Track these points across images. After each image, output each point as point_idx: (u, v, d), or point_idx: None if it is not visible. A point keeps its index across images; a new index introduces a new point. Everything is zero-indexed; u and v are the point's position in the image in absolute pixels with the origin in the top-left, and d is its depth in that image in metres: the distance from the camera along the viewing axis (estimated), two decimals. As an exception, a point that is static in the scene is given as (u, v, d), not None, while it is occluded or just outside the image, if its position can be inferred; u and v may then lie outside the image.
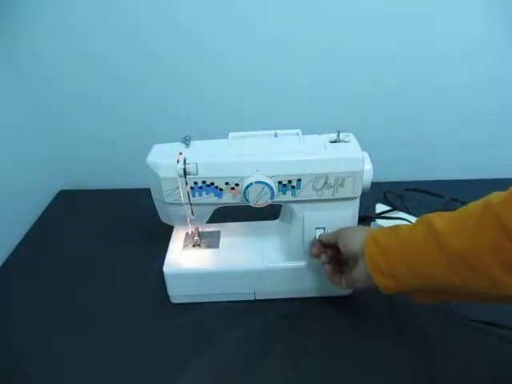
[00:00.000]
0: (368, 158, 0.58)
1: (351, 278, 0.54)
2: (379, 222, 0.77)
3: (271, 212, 0.71)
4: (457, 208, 0.46)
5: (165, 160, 0.57)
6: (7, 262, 0.78)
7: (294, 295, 0.67)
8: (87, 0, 0.76)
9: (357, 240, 0.53)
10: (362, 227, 0.58)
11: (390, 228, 0.51)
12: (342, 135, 0.59)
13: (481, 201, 0.43)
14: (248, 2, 0.76)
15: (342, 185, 0.56)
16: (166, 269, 0.65)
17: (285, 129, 0.60)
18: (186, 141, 0.59)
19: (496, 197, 0.41)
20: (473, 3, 0.76)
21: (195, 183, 0.57)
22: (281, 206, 0.70)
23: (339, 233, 0.57)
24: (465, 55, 0.81)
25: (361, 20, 0.78)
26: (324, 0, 0.76)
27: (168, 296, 0.67)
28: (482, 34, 0.79)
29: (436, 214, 0.46)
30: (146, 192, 0.62)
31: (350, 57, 0.82)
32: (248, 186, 0.55)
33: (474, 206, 0.43)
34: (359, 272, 0.52)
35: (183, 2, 0.77)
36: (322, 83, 0.85)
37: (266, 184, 0.55)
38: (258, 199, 0.56)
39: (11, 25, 0.79)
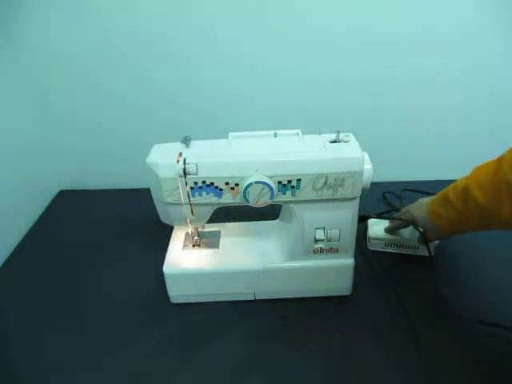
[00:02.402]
0: (368, 158, 0.58)
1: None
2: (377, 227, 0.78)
3: (271, 212, 0.71)
4: None
5: (165, 160, 0.57)
6: (7, 262, 0.78)
7: (293, 295, 0.67)
8: (102, 7, 0.77)
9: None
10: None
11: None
12: (341, 135, 0.59)
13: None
14: (245, 5, 0.77)
15: (341, 185, 0.56)
16: (165, 269, 0.65)
17: (285, 129, 0.60)
18: (186, 141, 0.59)
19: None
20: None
21: (195, 183, 0.57)
22: (281, 206, 0.70)
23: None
24: (465, 50, 0.82)
25: (359, 19, 0.78)
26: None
27: (168, 296, 0.67)
28: (475, 26, 0.79)
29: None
30: (146, 192, 0.62)
31: (351, 57, 0.82)
32: (248, 186, 0.55)
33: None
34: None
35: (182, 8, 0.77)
36: (322, 83, 0.86)
37: (266, 184, 0.55)
38: (258, 199, 0.56)
39: (9, 20, 0.79)
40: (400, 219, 0.72)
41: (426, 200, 0.68)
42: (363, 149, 0.57)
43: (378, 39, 0.80)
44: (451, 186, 0.62)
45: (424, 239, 0.67)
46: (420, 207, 0.68)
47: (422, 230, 0.67)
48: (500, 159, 0.54)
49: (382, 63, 0.83)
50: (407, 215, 0.70)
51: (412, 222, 0.68)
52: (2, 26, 0.79)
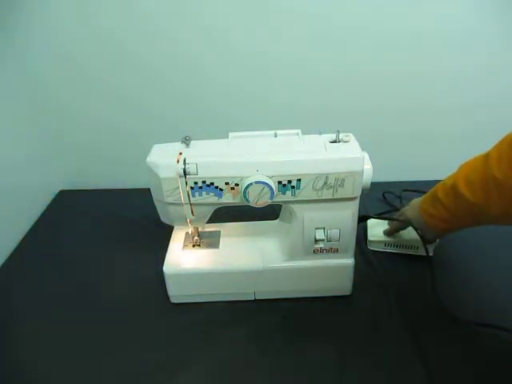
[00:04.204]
0: (368, 158, 0.58)
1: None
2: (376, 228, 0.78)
3: (271, 212, 0.71)
4: None
5: (165, 160, 0.57)
6: (7, 262, 0.78)
7: (293, 295, 0.67)
8: (101, 5, 0.77)
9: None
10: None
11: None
12: (341, 135, 0.59)
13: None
14: (245, 5, 0.77)
15: (341, 185, 0.56)
16: (166, 269, 0.65)
17: (285, 129, 0.60)
18: (186, 141, 0.59)
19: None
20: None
21: (195, 183, 0.57)
22: (281, 206, 0.70)
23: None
24: (464, 48, 0.82)
25: (359, 18, 0.78)
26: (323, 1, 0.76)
27: (168, 296, 0.67)
28: (471, 24, 0.79)
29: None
30: (146, 192, 0.62)
31: (352, 57, 0.82)
32: (248, 186, 0.55)
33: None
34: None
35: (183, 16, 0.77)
36: (323, 82, 0.86)
37: (266, 184, 0.55)
38: (258, 199, 0.56)
39: (11, 18, 0.79)
40: (397, 220, 0.72)
41: (418, 200, 0.68)
42: (363, 148, 0.57)
43: (379, 39, 0.80)
44: (440, 184, 0.62)
45: (422, 240, 0.67)
46: (413, 207, 0.68)
47: (419, 230, 0.67)
48: (487, 156, 0.54)
49: (383, 63, 0.83)
50: (403, 216, 0.71)
51: (409, 223, 0.68)
52: (4, 24, 0.79)
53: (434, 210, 0.62)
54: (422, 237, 0.67)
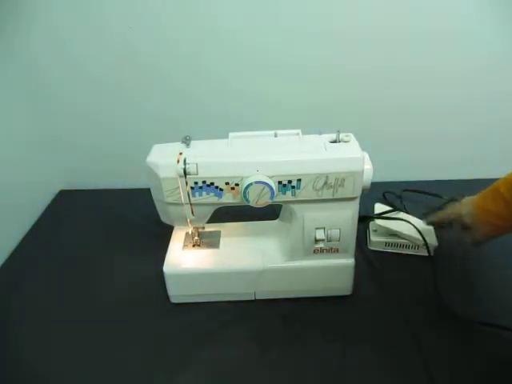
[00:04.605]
0: (368, 158, 0.58)
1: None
2: (378, 222, 0.77)
3: (271, 212, 0.71)
4: None
5: (165, 160, 0.57)
6: (7, 262, 0.78)
7: (293, 295, 0.67)
8: (102, 3, 0.77)
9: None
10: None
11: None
12: (341, 135, 0.59)
13: None
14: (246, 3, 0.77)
15: (341, 185, 0.56)
16: (165, 269, 0.65)
17: (285, 129, 0.60)
18: (186, 141, 0.59)
19: None
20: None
21: (195, 183, 0.57)
22: (281, 206, 0.70)
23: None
24: (465, 47, 0.82)
25: (360, 18, 0.78)
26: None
27: (168, 296, 0.67)
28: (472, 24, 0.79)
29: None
30: (146, 192, 0.62)
31: (351, 56, 0.82)
32: (248, 186, 0.55)
33: None
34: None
35: (185, 19, 0.78)
36: (322, 82, 0.86)
37: (266, 184, 0.55)
38: (258, 199, 0.56)
39: (10, 21, 0.79)
40: (441, 219, 0.69)
41: (471, 197, 0.65)
42: (363, 148, 0.57)
43: (379, 39, 0.80)
44: (501, 179, 0.59)
45: (473, 241, 0.64)
46: (467, 204, 0.65)
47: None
48: None
49: (383, 63, 0.83)
50: (455, 213, 0.67)
51: (459, 219, 0.65)
52: (4, 25, 0.79)
53: (493, 206, 0.60)
54: (473, 239, 0.64)
